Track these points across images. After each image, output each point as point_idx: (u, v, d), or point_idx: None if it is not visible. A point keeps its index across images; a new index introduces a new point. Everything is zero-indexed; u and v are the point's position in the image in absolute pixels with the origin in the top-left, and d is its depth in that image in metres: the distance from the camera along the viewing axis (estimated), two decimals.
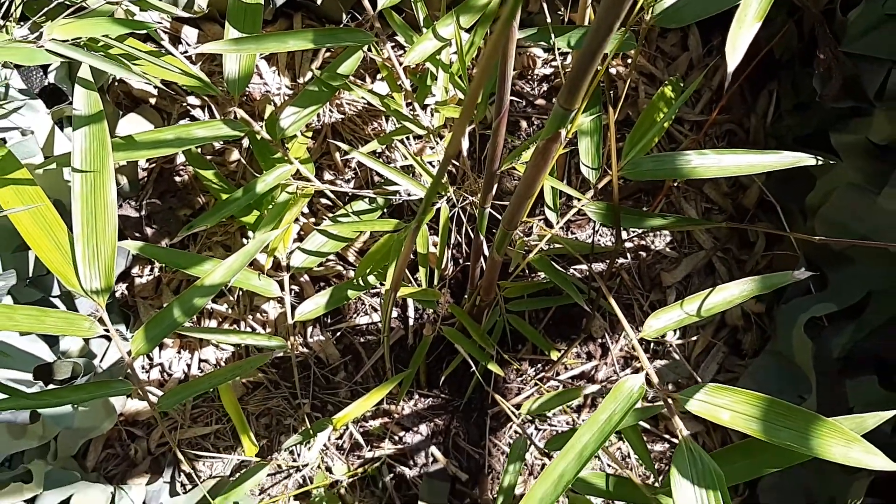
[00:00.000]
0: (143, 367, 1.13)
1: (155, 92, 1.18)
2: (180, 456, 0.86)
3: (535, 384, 1.11)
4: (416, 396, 1.11)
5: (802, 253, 1.04)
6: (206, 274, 0.83)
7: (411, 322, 1.13)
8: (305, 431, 0.97)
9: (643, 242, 1.16)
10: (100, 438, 1.10)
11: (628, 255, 1.16)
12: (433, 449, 1.08)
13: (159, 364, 1.14)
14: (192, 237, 1.15)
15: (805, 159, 0.87)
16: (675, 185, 1.18)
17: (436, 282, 1.01)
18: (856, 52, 0.98)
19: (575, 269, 1.14)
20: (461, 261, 1.15)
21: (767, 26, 1.13)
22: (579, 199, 0.91)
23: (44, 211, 0.81)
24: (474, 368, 0.99)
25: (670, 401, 0.69)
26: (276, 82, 1.22)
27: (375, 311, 1.14)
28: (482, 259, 0.93)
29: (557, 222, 0.94)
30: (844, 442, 0.65)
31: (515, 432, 1.11)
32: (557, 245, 1.03)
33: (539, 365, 1.13)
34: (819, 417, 0.65)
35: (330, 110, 1.20)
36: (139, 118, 1.15)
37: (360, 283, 1.00)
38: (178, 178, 1.18)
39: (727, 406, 0.68)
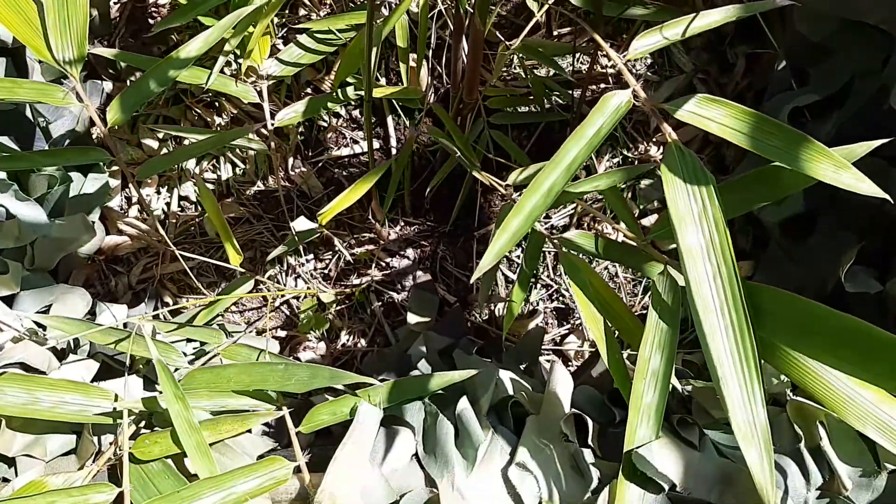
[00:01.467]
0: (120, 207, 1.11)
1: None
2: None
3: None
4: (402, 223, 1.10)
5: (783, 51, 1.04)
6: (181, 48, 0.81)
7: (394, 152, 1.12)
8: (291, 240, 0.96)
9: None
10: (80, 273, 1.07)
11: (610, 79, 1.15)
12: (420, 272, 1.07)
13: (138, 202, 1.11)
14: None
15: None
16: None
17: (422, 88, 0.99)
18: None
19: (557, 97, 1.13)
20: (443, 78, 1.13)
21: None
22: None
23: None
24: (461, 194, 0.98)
25: (658, 111, 0.68)
26: None
27: (356, 142, 1.13)
28: (464, 45, 0.91)
29: (538, 12, 0.93)
30: (834, 167, 0.65)
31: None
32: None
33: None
34: (809, 139, 0.64)
35: None
36: None
37: (339, 94, 0.99)
38: (151, 21, 1.15)
39: (716, 118, 0.67)
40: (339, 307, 1.07)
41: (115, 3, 1.15)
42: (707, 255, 0.62)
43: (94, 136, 1.12)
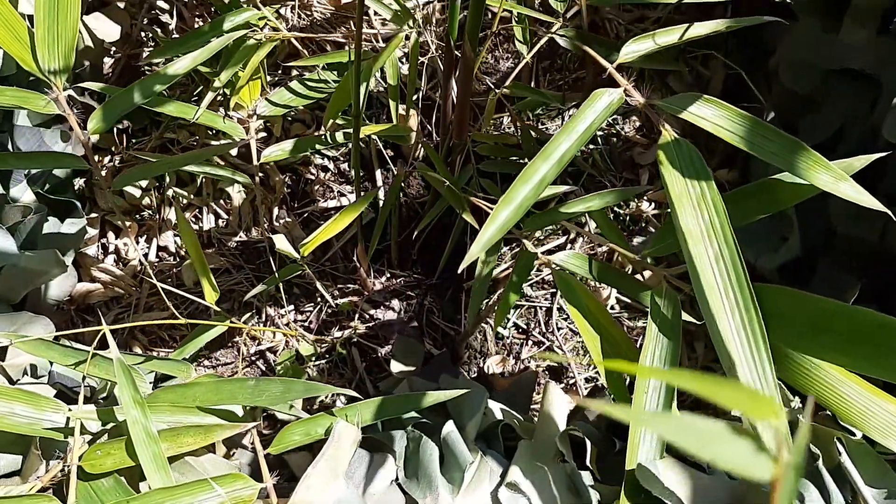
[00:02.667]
0: (97, 256, 1.07)
1: None
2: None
3: (512, 259, 1.07)
4: (388, 274, 1.06)
5: (770, 105, 1.05)
6: (168, 67, 0.81)
7: (381, 203, 1.10)
8: (272, 279, 0.92)
9: (612, 130, 1.16)
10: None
11: (599, 140, 1.15)
12: (406, 324, 1.02)
13: (114, 251, 1.08)
14: (155, 121, 1.12)
15: None
16: (640, 76, 1.19)
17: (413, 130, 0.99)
18: None
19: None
20: (435, 125, 1.13)
21: None
22: (549, 27, 0.91)
23: (2, 9, 0.79)
24: (449, 247, 0.95)
25: (651, 107, 0.67)
26: None
27: (343, 195, 1.11)
28: (454, 81, 0.91)
29: (528, 53, 0.94)
30: (832, 177, 0.63)
31: (492, 310, 1.06)
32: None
33: (514, 243, 1.09)
34: (807, 147, 0.63)
35: (298, 14, 1.21)
36: (104, 18, 1.15)
37: (328, 137, 0.98)
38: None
39: (710, 118, 0.66)
40: (318, 361, 1.02)
41: (109, 59, 1.16)
42: (707, 237, 0.59)
43: (76, 186, 1.09)
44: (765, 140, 0.65)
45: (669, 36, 0.74)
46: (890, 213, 0.64)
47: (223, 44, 0.85)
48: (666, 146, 0.63)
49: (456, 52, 0.89)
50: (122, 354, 0.86)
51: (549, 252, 1.09)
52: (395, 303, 1.04)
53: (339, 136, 0.98)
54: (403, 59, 1.14)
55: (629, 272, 0.96)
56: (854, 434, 0.69)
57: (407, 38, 0.94)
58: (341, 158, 1.12)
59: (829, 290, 0.91)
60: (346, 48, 1.01)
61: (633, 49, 0.72)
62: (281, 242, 0.81)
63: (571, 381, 1.02)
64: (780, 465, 0.23)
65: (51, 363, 0.88)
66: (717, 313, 0.55)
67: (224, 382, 0.71)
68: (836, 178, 0.64)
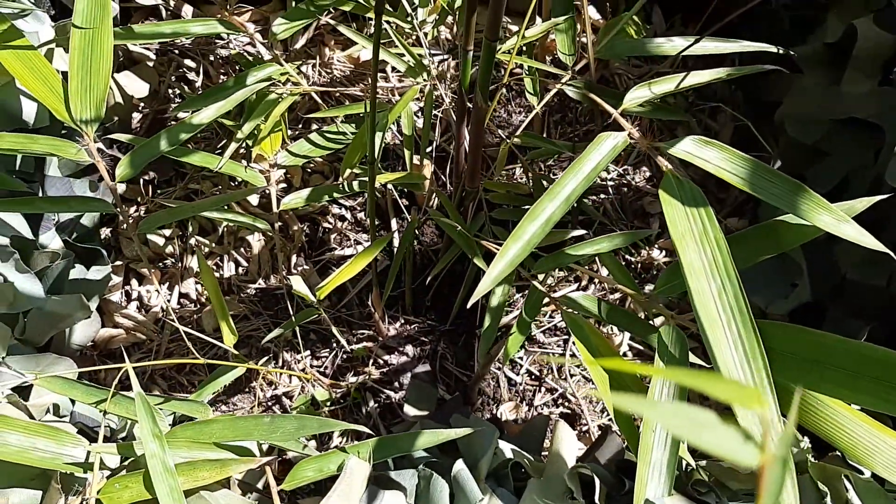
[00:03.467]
0: (120, 302, 1.10)
1: (153, 55, 1.24)
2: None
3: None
4: (402, 321, 1.08)
5: (777, 155, 1.07)
6: (192, 117, 0.85)
7: (395, 250, 1.12)
8: (288, 323, 0.94)
9: (623, 180, 1.19)
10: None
11: (610, 190, 1.18)
12: (421, 368, 1.04)
13: (137, 298, 1.11)
14: (180, 173, 1.16)
15: (768, 48, 0.93)
16: (650, 129, 1.22)
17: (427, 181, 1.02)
18: None
19: None
20: (449, 174, 1.16)
21: None
22: (559, 79, 0.95)
23: (39, 64, 0.84)
24: (461, 292, 0.97)
25: (655, 149, 0.69)
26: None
27: (360, 244, 1.14)
28: (466, 130, 0.94)
29: (538, 104, 0.97)
30: (835, 219, 0.65)
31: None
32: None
33: (526, 290, 1.11)
34: (808, 189, 0.65)
35: (319, 73, 1.26)
36: (133, 76, 1.21)
37: (345, 185, 1.01)
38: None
39: (712, 160, 0.68)
40: (333, 406, 1.03)
41: (138, 114, 1.21)
42: (710, 273, 0.60)
43: (102, 235, 1.13)
44: (767, 182, 0.67)
45: (670, 83, 0.77)
46: (893, 254, 0.65)
47: (245, 95, 0.89)
48: (668, 184, 0.65)
49: (468, 103, 0.93)
50: (143, 395, 0.88)
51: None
52: (409, 348, 1.06)
53: (356, 185, 1.01)
54: (419, 113, 1.18)
55: (641, 317, 0.97)
56: (862, 472, 0.69)
57: (421, 90, 0.98)
58: (358, 208, 1.16)
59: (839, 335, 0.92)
60: (364, 101, 1.05)
61: (637, 95, 0.75)
62: (298, 284, 0.84)
63: (585, 428, 1.02)
64: (766, 453, 0.25)
65: (73, 402, 0.90)
66: (720, 346, 0.56)
67: (240, 420, 0.72)
68: (838, 219, 0.66)
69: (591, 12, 1.31)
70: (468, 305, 0.63)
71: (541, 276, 0.83)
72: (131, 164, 0.81)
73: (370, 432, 0.70)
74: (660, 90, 0.76)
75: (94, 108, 0.82)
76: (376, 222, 1.16)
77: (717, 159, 0.68)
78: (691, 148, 0.69)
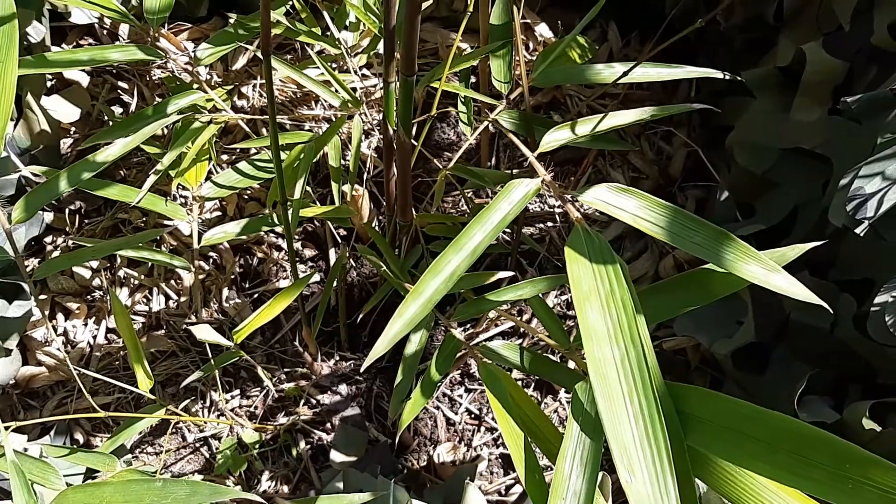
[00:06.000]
0: (44, 338, 1.06)
1: (86, 76, 1.20)
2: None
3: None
4: (337, 357, 1.04)
5: (728, 188, 1.03)
6: (104, 156, 0.81)
7: (335, 284, 1.08)
8: (208, 366, 0.89)
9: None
10: None
11: (557, 218, 1.13)
12: (352, 409, 0.99)
13: (63, 333, 1.06)
14: (109, 202, 1.12)
15: (713, 73, 0.88)
16: (602, 154, 1.18)
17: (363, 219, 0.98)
18: None
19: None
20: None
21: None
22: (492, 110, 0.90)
23: None
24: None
25: (567, 196, 0.65)
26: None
27: (296, 276, 1.09)
28: (395, 164, 0.90)
29: (472, 134, 0.93)
30: (764, 269, 0.61)
31: (443, 394, 1.03)
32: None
33: (468, 324, 1.06)
34: (734, 238, 0.60)
35: (259, 93, 1.21)
36: (63, 100, 1.16)
37: (274, 218, 0.96)
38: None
39: (628, 209, 0.63)
40: (262, 448, 0.99)
41: (68, 138, 1.16)
42: (613, 338, 0.56)
43: (29, 267, 1.09)
44: (688, 231, 0.62)
45: (589, 124, 0.72)
46: (826, 306, 0.61)
47: (158, 127, 0.84)
48: (576, 239, 0.60)
49: (392, 137, 0.88)
50: (49, 446, 0.84)
51: (492, 338, 1.07)
52: (343, 387, 1.01)
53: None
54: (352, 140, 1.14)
55: (571, 365, 0.93)
56: None
57: (350, 117, 0.93)
58: (295, 237, 1.11)
59: (783, 378, 0.88)
60: (310, 126, 1.00)
61: (553, 138, 0.71)
62: (203, 332, 0.79)
63: None
64: None
65: None
66: (617, 421, 0.52)
67: (133, 483, 0.68)
68: (768, 269, 0.61)
69: (543, 30, 1.26)
70: (365, 366, 0.59)
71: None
72: (27, 208, 0.76)
73: (260, 500, 0.65)
74: (579, 131, 0.72)
75: None
76: (314, 252, 1.11)
77: (635, 208, 0.63)
78: (606, 196, 0.64)
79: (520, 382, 1.03)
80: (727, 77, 0.88)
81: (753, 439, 0.57)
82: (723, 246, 0.62)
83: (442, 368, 0.73)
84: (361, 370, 0.55)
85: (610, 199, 0.64)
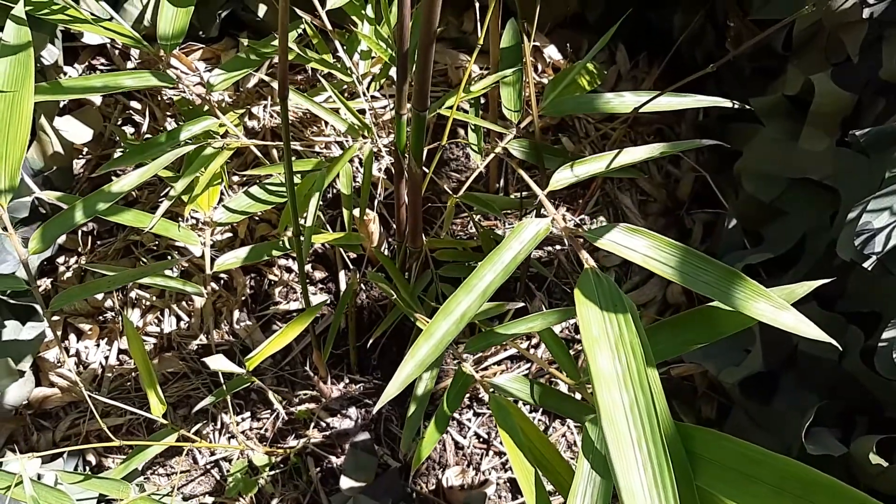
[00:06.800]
0: (57, 359, 1.07)
1: (99, 97, 1.21)
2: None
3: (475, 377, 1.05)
4: (346, 380, 1.05)
5: (736, 215, 1.03)
6: (115, 191, 0.82)
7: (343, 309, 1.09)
8: (220, 391, 0.90)
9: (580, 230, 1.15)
10: (3, 427, 1.01)
11: (565, 241, 1.14)
12: (362, 433, 1.00)
13: (75, 354, 1.07)
14: (121, 225, 1.13)
15: (722, 102, 0.89)
16: (610, 178, 1.18)
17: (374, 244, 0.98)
18: (762, 18, 1.03)
19: None
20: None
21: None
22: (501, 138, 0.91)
23: None
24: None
25: (579, 239, 0.66)
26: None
27: (308, 301, 1.10)
28: (405, 192, 0.91)
29: (482, 162, 0.94)
30: (773, 307, 0.61)
31: (452, 418, 1.03)
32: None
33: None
34: (743, 276, 0.61)
35: (270, 114, 1.22)
36: (75, 121, 1.17)
37: (285, 243, 0.97)
38: (113, 178, 1.17)
39: (639, 249, 0.64)
40: (272, 471, 0.99)
41: (80, 159, 1.17)
42: (623, 384, 0.56)
43: (41, 287, 1.10)
44: (698, 270, 0.63)
45: (601, 162, 0.73)
46: (836, 343, 0.61)
47: (173, 157, 0.85)
48: (585, 282, 0.61)
49: (404, 166, 0.89)
50: (64, 472, 0.85)
51: (499, 363, 1.08)
52: (353, 410, 1.02)
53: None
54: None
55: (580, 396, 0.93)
56: None
57: (363, 145, 0.94)
58: (305, 259, 1.12)
59: (790, 408, 0.88)
60: (318, 152, 1.01)
61: (563, 176, 0.72)
62: (217, 363, 0.80)
63: None
64: None
65: None
66: (626, 467, 0.52)
67: None
68: (777, 307, 0.62)
69: (552, 52, 1.27)
70: (374, 411, 0.60)
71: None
72: (43, 238, 0.77)
73: None
74: (587, 171, 0.72)
75: (8, 178, 0.78)
76: (324, 275, 1.12)
77: (645, 248, 0.64)
78: (618, 237, 0.65)
79: (526, 407, 1.03)
80: (736, 106, 0.88)
81: (761, 482, 0.57)
82: (732, 285, 0.63)
83: (454, 405, 0.74)
84: (374, 410, 0.56)
85: (621, 240, 0.65)
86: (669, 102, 0.89)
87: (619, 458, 0.53)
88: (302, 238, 0.85)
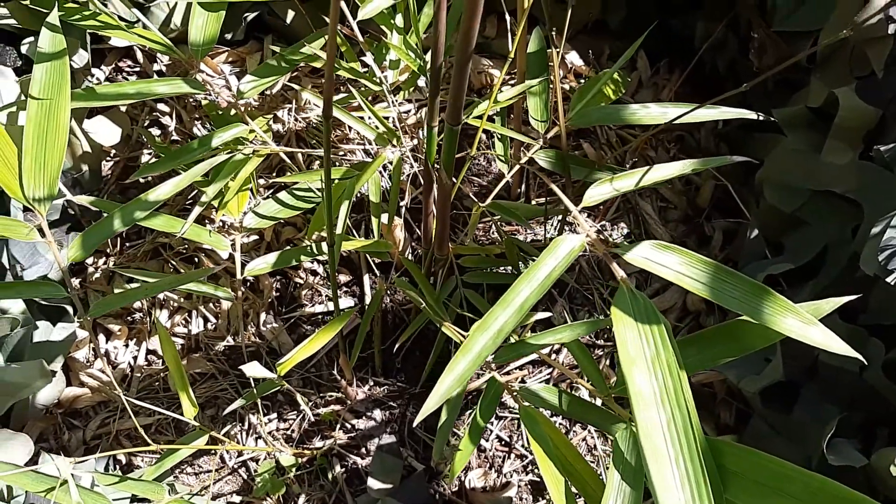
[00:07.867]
0: (86, 359, 1.09)
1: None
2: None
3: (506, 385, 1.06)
4: (371, 383, 1.06)
5: (757, 225, 1.05)
6: (152, 200, 0.83)
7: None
8: (250, 394, 0.92)
9: (601, 236, 1.17)
10: (35, 426, 1.03)
11: (586, 247, 1.15)
12: (387, 435, 1.02)
13: (105, 354, 1.09)
14: (148, 230, 1.14)
15: (746, 114, 0.90)
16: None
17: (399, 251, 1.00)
18: (786, 30, 1.04)
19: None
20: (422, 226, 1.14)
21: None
22: (529, 148, 0.92)
23: None
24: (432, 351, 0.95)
25: (610, 255, 0.67)
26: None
27: (332, 300, 1.12)
28: (433, 201, 0.92)
29: (509, 172, 0.95)
30: (801, 322, 0.63)
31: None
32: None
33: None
34: (772, 292, 0.62)
35: (295, 117, 1.24)
36: (105, 120, 1.18)
37: (313, 248, 0.99)
38: (142, 179, 1.19)
39: (671, 265, 0.65)
40: (299, 472, 1.01)
41: (108, 160, 1.19)
42: (660, 401, 0.58)
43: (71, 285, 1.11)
44: (727, 286, 0.64)
45: (632, 178, 0.74)
46: (861, 357, 0.63)
47: (206, 168, 0.87)
48: (621, 299, 0.63)
49: (433, 176, 0.90)
50: (99, 474, 0.87)
51: (523, 367, 1.09)
52: (378, 413, 1.04)
53: (325, 247, 0.99)
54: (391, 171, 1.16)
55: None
56: None
57: (392, 152, 0.96)
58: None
59: (811, 419, 0.90)
60: (343, 158, 1.03)
61: (596, 193, 0.73)
62: (252, 370, 0.82)
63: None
64: None
65: None
66: (665, 484, 0.54)
67: None
68: (805, 322, 0.63)
69: (574, 58, 1.28)
70: (414, 424, 0.61)
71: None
72: (83, 246, 0.79)
73: None
74: (621, 186, 0.74)
75: (47, 186, 0.80)
76: (349, 278, 1.14)
77: (677, 264, 0.66)
78: (649, 253, 0.66)
79: (548, 411, 1.05)
80: (760, 118, 0.89)
81: (789, 497, 0.59)
82: (761, 301, 0.64)
83: (486, 416, 0.75)
84: (414, 424, 0.58)
85: (653, 255, 0.66)
86: (695, 115, 0.90)
87: (657, 475, 0.55)
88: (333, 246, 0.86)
